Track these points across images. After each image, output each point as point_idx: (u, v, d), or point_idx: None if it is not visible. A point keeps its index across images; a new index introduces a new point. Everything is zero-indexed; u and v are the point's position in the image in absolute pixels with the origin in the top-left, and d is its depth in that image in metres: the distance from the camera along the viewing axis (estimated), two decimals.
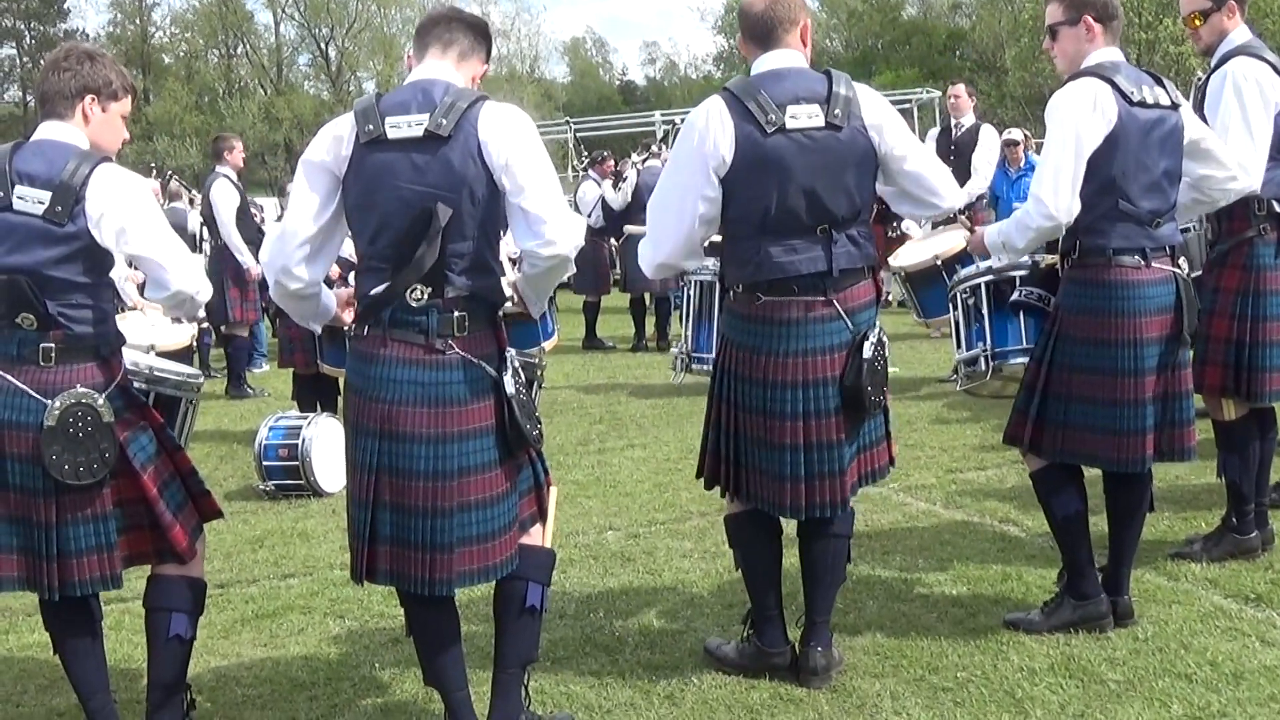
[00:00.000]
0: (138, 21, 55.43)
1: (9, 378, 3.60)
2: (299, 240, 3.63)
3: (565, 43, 68.45)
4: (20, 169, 3.62)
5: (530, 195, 3.51)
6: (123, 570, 3.76)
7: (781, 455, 3.95)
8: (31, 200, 3.57)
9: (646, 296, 13.51)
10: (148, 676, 3.90)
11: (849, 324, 3.96)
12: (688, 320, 5.51)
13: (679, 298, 10.38)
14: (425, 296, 3.50)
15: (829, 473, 3.97)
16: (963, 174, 10.16)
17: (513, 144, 3.51)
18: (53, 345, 3.61)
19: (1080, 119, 4.18)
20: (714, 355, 4.22)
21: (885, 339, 4.05)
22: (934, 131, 11.35)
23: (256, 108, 51.34)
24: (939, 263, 7.84)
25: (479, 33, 3.77)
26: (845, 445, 4.00)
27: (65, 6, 54.53)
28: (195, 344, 9.79)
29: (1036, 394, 4.41)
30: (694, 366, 5.44)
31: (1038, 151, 11.71)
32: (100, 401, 3.62)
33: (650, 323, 13.56)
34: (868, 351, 3.95)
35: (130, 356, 4.03)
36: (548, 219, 3.52)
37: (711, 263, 4.27)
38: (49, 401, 3.57)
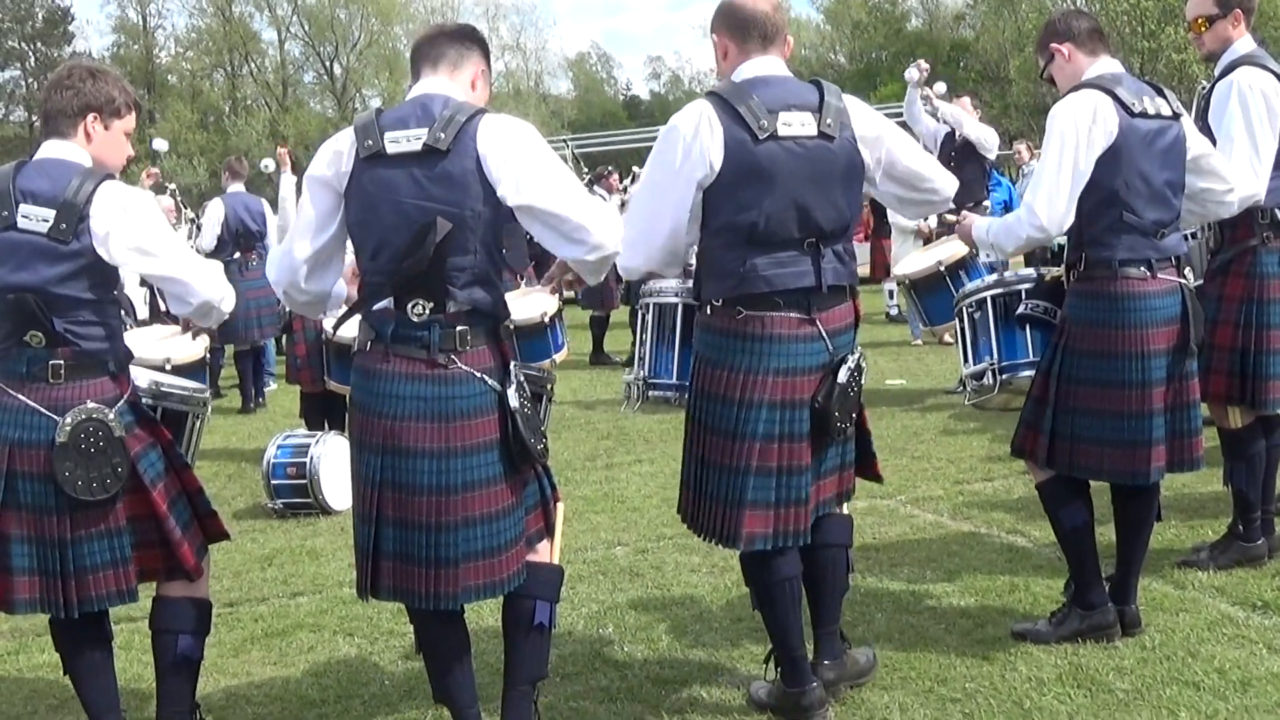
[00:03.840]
0: (141, 42, 55.56)
1: (20, 396, 3.63)
2: (304, 256, 3.66)
3: (570, 58, 68.60)
4: (24, 187, 3.64)
5: (556, 204, 3.48)
6: (138, 585, 3.78)
7: (743, 480, 3.80)
8: (36, 219, 3.60)
9: None
10: (157, 697, 3.92)
11: (828, 345, 3.83)
12: (645, 344, 5.12)
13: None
14: (427, 311, 3.47)
15: (795, 500, 3.82)
16: (963, 183, 10.20)
17: (519, 157, 3.47)
18: (62, 362, 3.63)
19: (1080, 131, 4.19)
20: (689, 377, 4.09)
21: (864, 365, 3.94)
22: (943, 130, 11.30)
23: (262, 125, 51.43)
24: (942, 269, 7.94)
25: (465, 38, 3.75)
26: (808, 472, 3.85)
27: (70, 29, 54.74)
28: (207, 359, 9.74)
29: (1045, 406, 4.40)
30: (651, 394, 5.12)
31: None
32: (111, 416, 3.65)
33: None
34: (842, 376, 3.81)
35: (135, 373, 4.05)
36: (585, 224, 3.49)
37: (675, 283, 4.13)
38: (60, 418, 3.60)
